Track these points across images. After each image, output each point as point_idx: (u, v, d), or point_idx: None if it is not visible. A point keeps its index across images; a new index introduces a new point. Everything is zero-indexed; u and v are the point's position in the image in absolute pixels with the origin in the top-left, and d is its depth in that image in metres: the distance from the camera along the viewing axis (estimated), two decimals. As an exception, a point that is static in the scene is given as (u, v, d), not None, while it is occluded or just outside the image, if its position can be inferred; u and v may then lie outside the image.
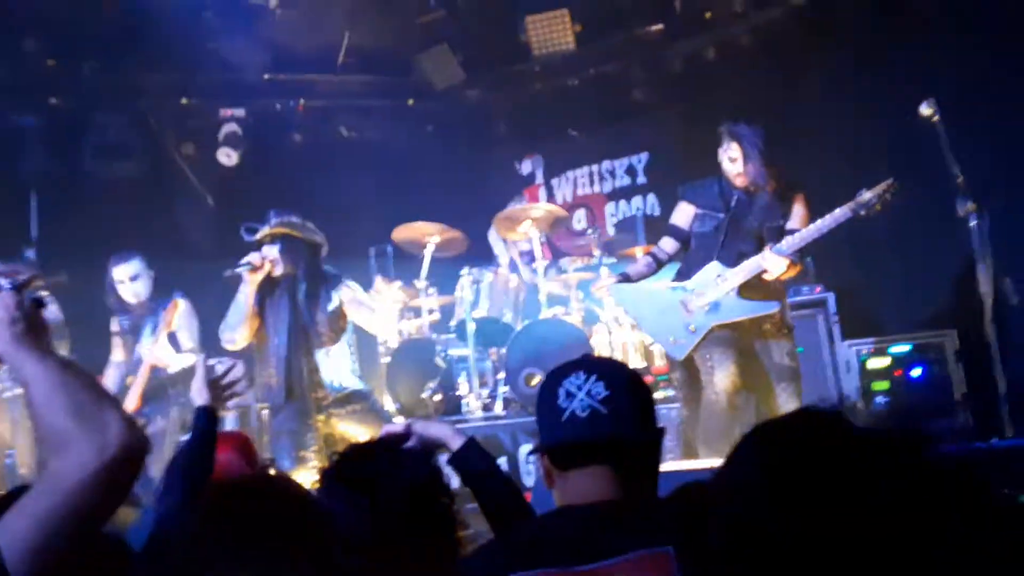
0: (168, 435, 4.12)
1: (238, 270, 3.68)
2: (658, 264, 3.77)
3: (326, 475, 1.51)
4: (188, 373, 4.12)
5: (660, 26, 6.02)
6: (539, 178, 7.03)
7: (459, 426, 3.57)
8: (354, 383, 3.83)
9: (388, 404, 4.77)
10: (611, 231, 6.46)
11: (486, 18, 5.79)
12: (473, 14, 5.72)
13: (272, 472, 2.38)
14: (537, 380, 4.45)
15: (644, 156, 6.58)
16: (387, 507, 1.44)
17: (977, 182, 3.52)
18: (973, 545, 0.70)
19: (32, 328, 1.23)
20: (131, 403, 4.07)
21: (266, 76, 6.21)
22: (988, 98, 4.44)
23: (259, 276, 3.70)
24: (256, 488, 1.26)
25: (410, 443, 1.77)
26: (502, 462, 3.79)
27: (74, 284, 4.36)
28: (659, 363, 4.96)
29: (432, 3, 5.67)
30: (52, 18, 5.29)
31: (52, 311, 4.14)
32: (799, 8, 5.31)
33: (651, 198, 6.50)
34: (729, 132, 3.49)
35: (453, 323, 5.09)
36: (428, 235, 5.22)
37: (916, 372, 4.58)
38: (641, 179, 6.60)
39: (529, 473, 3.92)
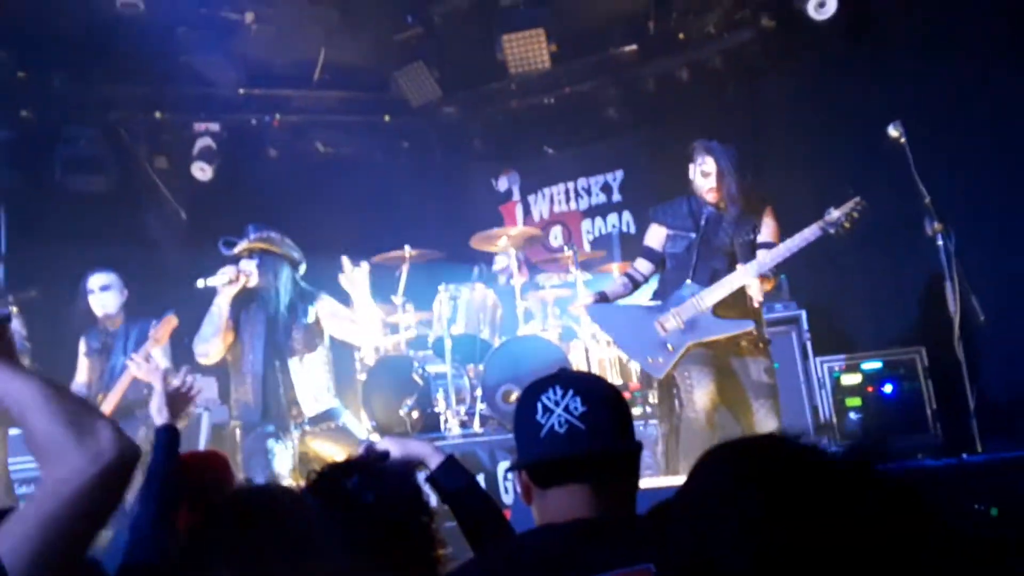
0: (137, 456, 4.04)
1: (211, 281, 3.65)
2: (635, 285, 3.81)
3: (304, 493, 1.50)
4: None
5: (634, 47, 6.11)
6: (515, 195, 7.06)
7: (437, 443, 3.55)
8: (330, 401, 3.79)
9: (364, 421, 4.73)
10: (587, 248, 6.50)
11: (463, 36, 5.82)
12: (450, 32, 5.74)
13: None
14: (515, 397, 4.44)
15: (619, 174, 6.65)
16: (366, 525, 1.43)
17: (944, 202, 3.60)
18: (917, 565, 0.72)
19: (5, 344, 1.23)
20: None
21: (241, 90, 6.18)
22: (954, 120, 4.56)
23: (234, 289, 3.67)
24: (253, 503, 1.25)
25: (389, 461, 1.76)
26: (480, 479, 3.77)
27: (43, 300, 4.29)
28: (636, 380, 4.98)
29: (409, 20, 5.69)
30: (23, 30, 5.22)
31: (15, 326, 4.08)
32: (769, 31, 5.41)
33: (626, 215, 6.55)
34: (704, 147, 3.54)
35: (430, 339, 5.08)
36: (404, 254, 5.22)
37: (888, 388, 4.66)
38: (616, 197, 6.66)
39: (507, 491, 3.90)
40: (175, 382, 2.42)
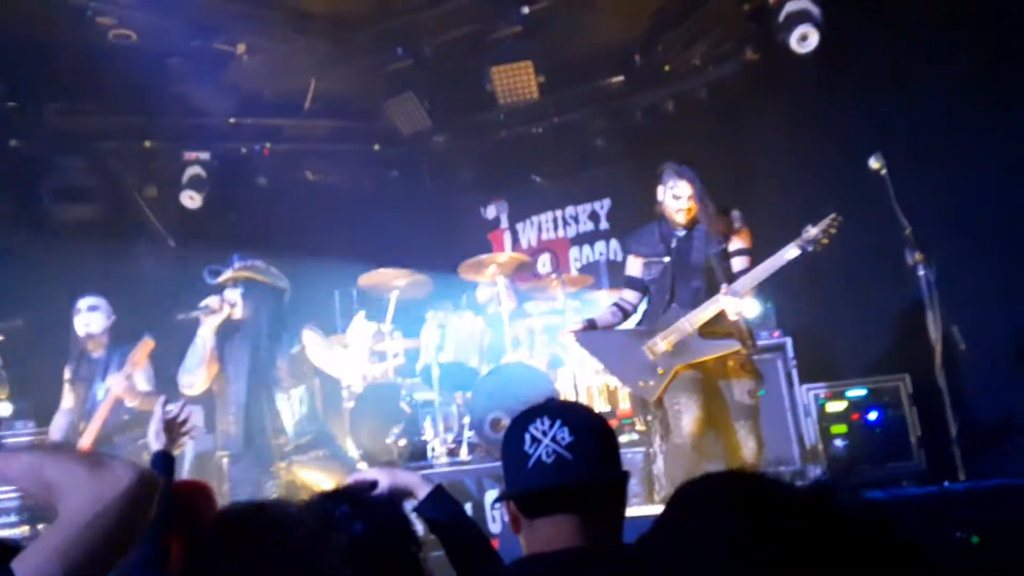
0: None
1: (194, 313, 3.65)
2: (624, 315, 3.86)
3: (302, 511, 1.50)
4: (136, 420, 4.05)
5: (621, 78, 6.21)
6: (504, 222, 7.12)
7: (424, 472, 3.55)
8: (317, 430, 3.78)
9: (351, 450, 4.71)
10: (575, 275, 6.54)
11: (452, 68, 5.90)
12: (440, 64, 5.83)
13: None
14: (503, 424, 4.45)
15: (607, 202, 6.72)
16: (354, 556, 1.43)
17: (925, 233, 3.67)
18: None
19: None
20: (84, 448, 3.96)
21: (231, 120, 6.22)
22: (934, 152, 4.65)
23: (217, 319, 3.66)
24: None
25: (377, 491, 1.76)
26: (468, 508, 3.76)
27: (29, 329, 4.28)
28: (624, 406, 4.99)
29: (399, 52, 5.76)
30: (14, 59, 5.25)
31: None
32: (753, 63, 5.53)
33: (613, 243, 6.61)
34: (675, 171, 3.61)
35: (418, 367, 5.08)
36: (394, 280, 5.24)
37: (873, 416, 4.69)
38: (604, 225, 6.73)
39: (495, 520, 3.89)
40: (173, 410, 2.44)
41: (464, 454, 4.63)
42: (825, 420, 4.72)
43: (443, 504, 1.83)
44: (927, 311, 3.54)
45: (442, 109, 6.12)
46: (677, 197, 3.59)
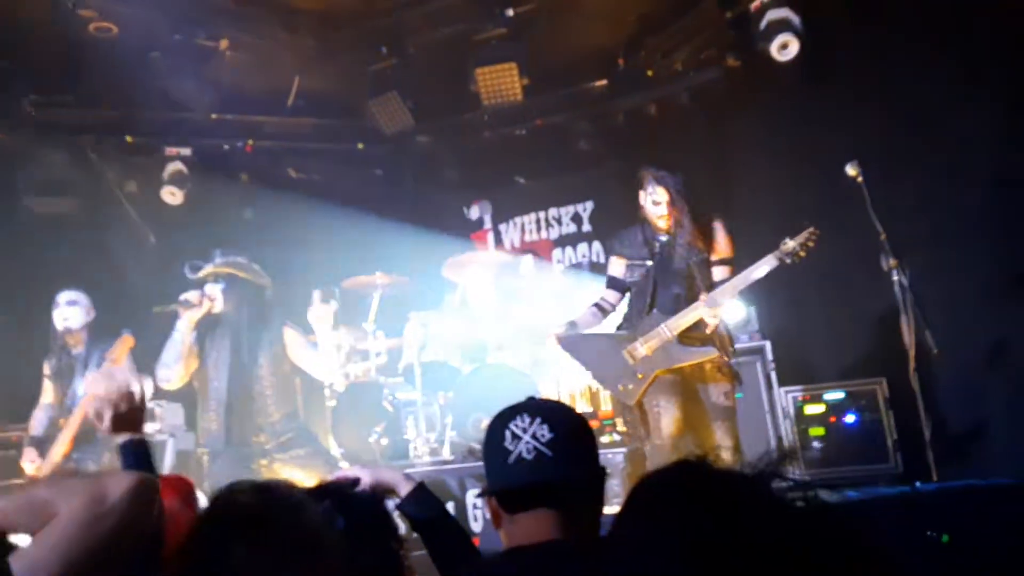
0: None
1: (171, 306, 3.62)
2: (604, 314, 3.89)
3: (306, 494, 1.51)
4: None
5: (604, 82, 6.26)
6: (487, 223, 7.11)
7: (406, 471, 3.55)
8: (298, 427, 3.77)
9: (333, 448, 4.70)
10: (558, 277, 6.57)
11: (437, 68, 5.92)
12: (424, 64, 5.83)
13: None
14: (485, 424, 4.46)
15: (589, 204, 6.76)
16: (336, 552, 1.44)
17: (899, 238, 3.73)
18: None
19: None
20: (62, 446, 3.93)
21: (214, 116, 6.18)
22: (909, 159, 4.73)
23: (197, 314, 3.64)
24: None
25: (360, 487, 1.77)
26: (450, 507, 3.77)
27: (7, 322, 4.23)
28: (606, 408, 5.03)
29: (384, 51, 5.76)
30: (-8, 51, 5.20)
31: None
32: (734, 70, 5.59)
33: (596, 246, 6.65)
34: (654, 177, 3.64)
35: (401, 366, 5.08)
36: (376, 280, 5.24)
37: (850, 419, 4.76)
38: (586, 227, 6.76)
39: (476, 519, 3.90)
40: (101, 391, 1.74)
41: (446, 453, 4.64)
42: (803, 423, 4.78)
43: (425, 502, 1.85)
44: (901, 316, 3.61)
45: (426, 109, 6.13)
46: (656, 203, 3.63)
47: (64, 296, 4.25)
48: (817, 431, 4.77)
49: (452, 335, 5.04)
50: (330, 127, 6.69)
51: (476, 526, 3.92)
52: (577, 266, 6.63)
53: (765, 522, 0.79)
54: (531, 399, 1.54)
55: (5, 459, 4.60)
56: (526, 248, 6.94)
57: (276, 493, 1.27)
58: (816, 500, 0.83)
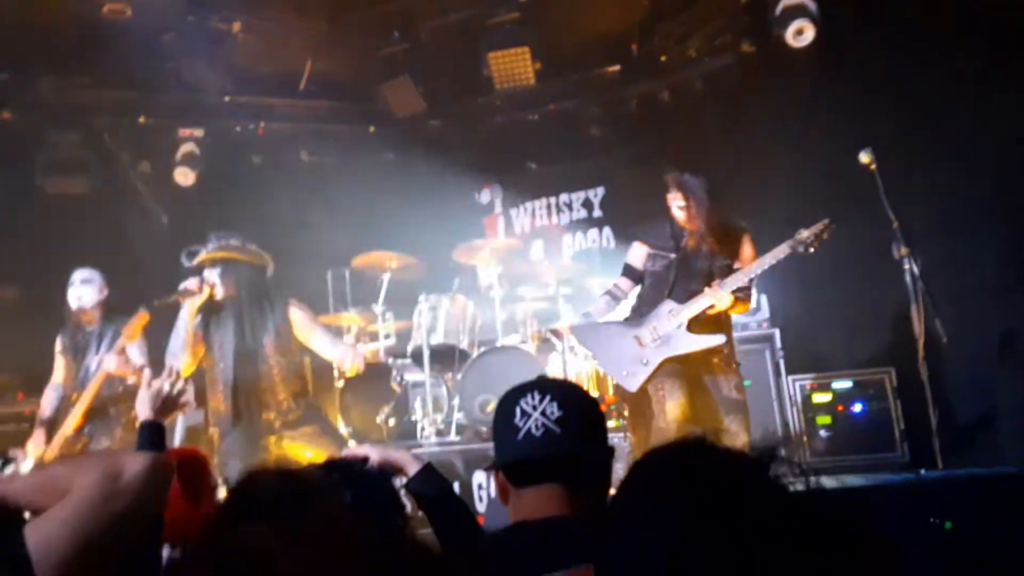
0: (112, 455, 4.03)
1: (172, 297, 3.65)
2: (616, 302, 3.93)
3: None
4: (132, 392, 4.05)
5: (617, 67, 6.23)
6: (497, 208, 7.11)
7: (413, 451, 3.58)
8: (307, 405, 3.81)
9: (342, 427, 4.75)
10: (568, 262, 6.57)
11: (449, 52, 5.91)
12: (436, 48, 5.83)
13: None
14: (492, 407, 4.49)
15: (600, 190, 6.74)
16: (358, 535, 1.47)
17: (911, 227, 3.72)
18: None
19: None
20: (75, 419, 3.98)
21: (227, 98, 6.20)
22: (923, 148, 4.70)
23: (198, 301, 3.65)
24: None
25: (368, 465, 1.80)
26: (455, 487, 3.81)
27: (21, 299, 4.28)
28: (612, 393, 5.05)
29: (396, 36, 5.75)
30: (7, 32, 5.22)
31: None
32: (748, 56, 5.56)
33: (607, 231, 6.64)
34: (676, 183, 3.63)
35: (409, 348, 5.11)
36: (387, 261, 5.26)
37: (857, 408, 4.75)
38: (597, 212, 6.75)
39: (481, 499, 3.94)
40: (164, 385, 2.13)
41: (453, 434, 4.67)
42: (810, 411, 4.78)
43: (432, 481, 1.88)
44: (911, 305, 3.60)
45: (438, 93, 6.13)
46: (681, 208, 3.64)
47: (78, 275, 4.30)
48: (824, 419, 4.77)
49: (461, 318, 5.06)
50: (342, 110, 6.70)
51: (480, 506, 3.95)
52: (587, 252, 6.62)
53: (767, 502, 0.80)
54: (541, 377, 1.56)
55: (19, 432, 4.67)
56: (536, 233, 6.95)
57: (300, 477, 1.29)
58: (817, 484, 0.84)
